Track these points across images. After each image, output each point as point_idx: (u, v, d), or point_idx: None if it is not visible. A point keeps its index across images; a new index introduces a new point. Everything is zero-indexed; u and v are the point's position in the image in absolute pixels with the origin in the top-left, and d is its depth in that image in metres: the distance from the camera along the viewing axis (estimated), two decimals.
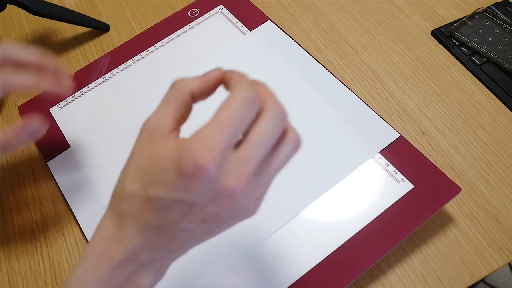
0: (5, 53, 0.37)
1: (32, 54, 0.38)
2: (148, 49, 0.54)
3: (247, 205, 0.25)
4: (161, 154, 0.25)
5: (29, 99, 0.54)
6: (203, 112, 0.29)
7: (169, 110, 0.27)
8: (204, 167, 0.23)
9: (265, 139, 0.25)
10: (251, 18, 0.54)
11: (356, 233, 0.38)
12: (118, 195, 0.28)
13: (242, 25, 0.54)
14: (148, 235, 0.26)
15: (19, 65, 0.38)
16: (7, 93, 0.37)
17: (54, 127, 0.50)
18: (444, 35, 0.53)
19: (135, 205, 0.26)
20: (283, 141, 0.26)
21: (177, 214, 0.25)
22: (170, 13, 0.60)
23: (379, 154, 0.42)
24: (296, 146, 0.27)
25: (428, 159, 0.41)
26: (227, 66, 0.51)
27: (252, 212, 0.27)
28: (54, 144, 0.49)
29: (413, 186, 0.40)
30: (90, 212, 0.44)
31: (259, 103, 0.26)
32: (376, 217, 0.39)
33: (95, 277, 0.26)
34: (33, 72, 0.38)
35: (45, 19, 0.56)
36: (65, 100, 0.52)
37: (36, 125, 0.35)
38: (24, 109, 0.53)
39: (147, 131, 0.27)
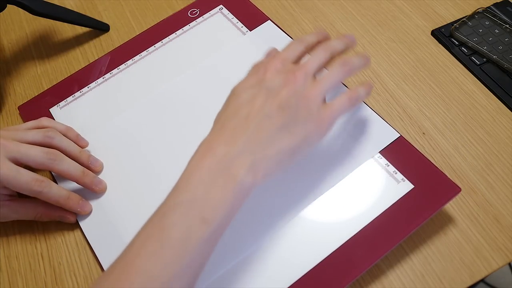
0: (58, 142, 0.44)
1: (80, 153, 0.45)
2: (148, 49, 0.54)
3: (310, 103, 0.35)
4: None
5: (29, 99, 0.54)
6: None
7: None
8: (273, 64, 0.37)
9: (317, 55, 0.38)
10: (251, 18, 0.54)
11: (356, 233, 0.38)
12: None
13: (242, 25, 0.54)
14: (241, 128, 0.34)
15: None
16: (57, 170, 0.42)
17: None
18: (444, 35, 0.53)
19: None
20: (336, 63, 0.38)
21: (260, 102, 0.35)
22: (170, 13, 0.60)
23: (379, 154, 0.42)
24: (343, 64, 0.38)
25: (428, 159, 0.41)
26: (226, 66, 0.51)
27: (317, 121, 0.36)
28: None
29: (413, 186, 0.40)
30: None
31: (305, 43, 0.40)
32: (376, 217, 0.39)
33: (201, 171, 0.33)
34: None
35: (45, 19, 0.56)
36: (65, 100, 0.52)
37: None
38: (24, 109, 0.53)
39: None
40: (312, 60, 0.37)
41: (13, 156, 0.40)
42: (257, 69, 0.38)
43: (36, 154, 0.41)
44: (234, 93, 0.37)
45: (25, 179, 0.40)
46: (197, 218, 0.31)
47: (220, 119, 0.36)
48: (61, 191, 0.42)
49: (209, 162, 0.33)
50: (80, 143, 0.47)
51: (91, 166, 0.45)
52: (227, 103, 0.37)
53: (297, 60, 0.39)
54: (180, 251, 0.30)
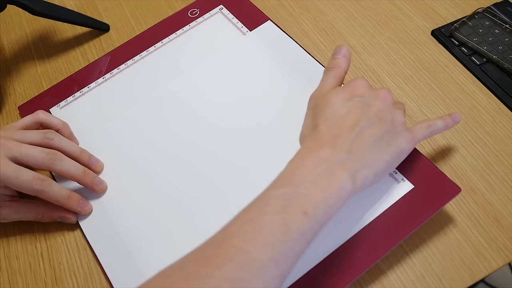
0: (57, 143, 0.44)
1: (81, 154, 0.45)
2: (148, 49, 0.54)
3: (401, 119, 0.38)
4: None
5: (29, 99, 0.54)
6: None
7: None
8: (360, 81, 0.39)
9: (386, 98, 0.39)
10: (251, 18, 0.54)
11: (356, 233, 0.38)
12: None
13: (242, 25, 0.54)
14: (343, 135, 0.35)
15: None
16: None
17: None
18: (444, 35, 0.53)
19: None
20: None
21: (359, 112, 0.36)
22: (170, 13, 0.60)
23: None
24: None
25: (428, 159, 0.41)
26: (227, 66, 0.51)
27: (409, 137, 0.38)
28: None
29: (413, 186, 0.40)
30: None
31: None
32: (376, 217, 0.39)
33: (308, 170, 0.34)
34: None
35: (45, 19, 0.56)
36: (65, 100, 0.52)
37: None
38: (24, 109, 0.53)
39: None
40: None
41: (13, 155, 0.40)
42: (348, 85, 0.39)
43: (37, 154, 0.41)
44: (328, 103, 0.38)
45: (26, 178, 0.39)
46: (299, 211, 0.31)
47: (318, 129, 0.36)
48: (62, 190, 0.42)
49: (313, 162, 0.34)
50: (73, 141, 0.47)
51: (92, 166, 0.45)
52: (320, 112, 0.38)
53: None
54: (280, 237, 0.30)
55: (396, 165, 0.38)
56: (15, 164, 0.40)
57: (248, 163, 0.44)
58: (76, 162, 0.44)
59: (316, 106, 0.39)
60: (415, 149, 0.42)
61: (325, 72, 0.42)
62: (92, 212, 0.44)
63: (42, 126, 0.46)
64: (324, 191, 0.32)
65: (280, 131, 0.45)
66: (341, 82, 0.41)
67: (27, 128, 0.45)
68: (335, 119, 0.36)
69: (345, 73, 0.42)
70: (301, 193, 0.32)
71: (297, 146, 0.44)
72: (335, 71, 0.41)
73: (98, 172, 0.46)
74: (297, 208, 0.31)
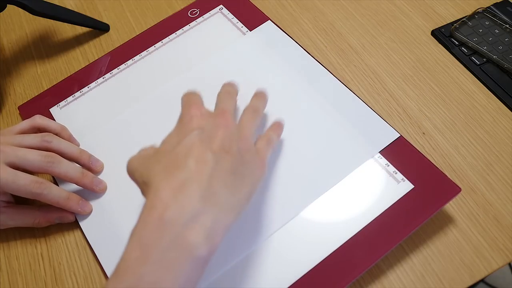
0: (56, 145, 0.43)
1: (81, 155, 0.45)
2: (148, 49, 0.54)
3: (248, 145, 0.34)
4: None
5: (29, 99, 0.54)
6: None
7: None
8: (194, 111, 0.35)
9: (227, 100, 0.39)
10: (251, 18, 0.54)
11: (356, 233, 0.38)
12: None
13: (242, 25, 0.54)
14: (191, 181, 0.30)
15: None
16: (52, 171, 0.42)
17: None
18: (444, 35, 0.53)
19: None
20: (246, 110, 0.39)
21: (201, 149, 0.31)
22: (170, 13, 0.60)
23: (379, 154, 0.42)
24: (253, 111, 0.39)
25: (428, 159, 0.41)
26: (226, 66, 0.51)
27: (260, 161, 0.35)
28: None
29: (413, 186, 0.40)
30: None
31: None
32: (376, 217, 0.39)
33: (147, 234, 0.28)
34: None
35: (45, 19, 0.56)
36: (65, 100, 0.52)
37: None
38: (24, 109, 0.53)
39: None
40: (228, 104, 0.38)
41: (11, 160, 0.40)
42: (181, 121, 0.35)
43: (34, 158, 0.40)
44: (162, 149, 0.33)
45: (24, 182, 0.39)
46: None
47: (159, 175, 0.31)
48: (61, 192, 0.42)
49: (159, 230, 0.28)
50: (73, 143, 0.47)
51: (92, 167, 0.45)
52: (157, 160, 0.32)
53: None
54: None
55: (255, 191, 0.34)
56: (12, 169, 0.39)
57: None
58: (75, 164, 0.44)
59: (146, 157, 0.34)
60: (415, 149, 0.42)
61: None
62: (92, 212, 0.44)
63: (39, 130, 0.46)
64: (174, 271, 0.27)
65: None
66: None
67: (24, 133, 0.44)
68: (176, 161, 0.31)
69: None
70: (147, 282, 0.26)
71: (295, 145, 0.45)
72: None
73: (98, 172, 0.46)
74: None
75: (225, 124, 0.33)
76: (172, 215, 0.28)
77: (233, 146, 0.32)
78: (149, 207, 0.30)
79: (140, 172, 0.33)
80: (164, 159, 0.32)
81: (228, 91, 0.40)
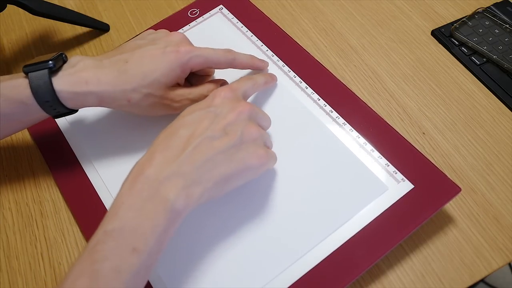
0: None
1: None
2: None
3: (255, 136, 0.36)
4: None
5: None
6: None
7: None
8: (223, 92, 0.38)
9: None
10: (251, 18, 0.54)
11: (356, 233, 0.38)
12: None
13: (242, 25, 0.54)
14: (177, 148, 0.33)
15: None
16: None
17: (54, 127, 0.50)
18: (444, 35, 0.53)
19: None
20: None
21: (205, 124, 0.34)
22: (170, 13, 0.60)
23: (379, 154, 0.42)
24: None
25: (428, 159, 0.41)
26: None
27: (251, 152, 0.35)
28: (54, 144, 0.49)
29: (413, 186, 0.40)
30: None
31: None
32: (376, 217, 0.39)
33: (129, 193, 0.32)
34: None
35: (45, 19, 0.56)
36: None
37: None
38: None
39: None
40: (250, 91, 0.41)
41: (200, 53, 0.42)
42: (208, 96, 0.38)
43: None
44: (180, 115, 0.36)
45: (220, 52, 0.42)
46: (128, 249, 0.30)
47: (158, 138, 0.35)
48: (245, 54, 0.45)
49: (141, 185, 0.32)
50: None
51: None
52: (170, 124, 0.36)
53: (244, 96, 0.40)
54: (112, 285, 0.29)
55: (241, 182, 0.36)
56: (207, 47, 0.43)
57: None
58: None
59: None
60: (415, 149, 0.42)
61: None
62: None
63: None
64: (151, 219, 0.31)
65: (278, 130, 0.45)
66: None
67: None
68: (177, 128, 0.35)
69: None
70: (128, 226, 0.30)
71: (293, 145, 0.44)
72: None
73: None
74: (125, 247, 0.30)
75: (240, 111, 0.36)
76: (152, 172, 0.32)
77: (236, 131, 0.35)
78: (138, 163, 0.34)
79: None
80: (175, 122, 0.36)
81: (258, 83, 0.43)
